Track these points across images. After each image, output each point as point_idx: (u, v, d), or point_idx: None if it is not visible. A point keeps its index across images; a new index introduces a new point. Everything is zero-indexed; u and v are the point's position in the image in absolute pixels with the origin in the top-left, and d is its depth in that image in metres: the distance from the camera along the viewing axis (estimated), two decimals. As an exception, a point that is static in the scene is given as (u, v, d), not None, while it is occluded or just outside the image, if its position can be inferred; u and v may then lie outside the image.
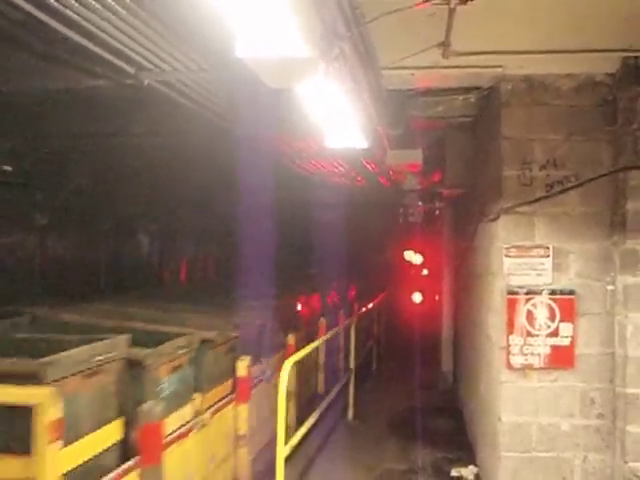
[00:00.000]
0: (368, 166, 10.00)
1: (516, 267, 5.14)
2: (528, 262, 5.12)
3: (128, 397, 4.15)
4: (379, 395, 10.32)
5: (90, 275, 11.82)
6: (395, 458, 7.18)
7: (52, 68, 5.25)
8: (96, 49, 4.27)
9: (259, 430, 6.40)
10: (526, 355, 5.10)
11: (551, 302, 5.09)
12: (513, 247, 5.14)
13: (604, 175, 5.03)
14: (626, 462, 4.82)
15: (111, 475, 3.73)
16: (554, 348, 5.08)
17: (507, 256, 5.15)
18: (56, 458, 3.28)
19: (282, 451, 5.15)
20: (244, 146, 7.81)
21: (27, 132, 7.86)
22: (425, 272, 20.01)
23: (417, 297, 18.60)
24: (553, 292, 5.09)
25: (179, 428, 4.75)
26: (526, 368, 5.12)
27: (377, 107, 5.17)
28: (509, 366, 5.13)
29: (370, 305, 12.27)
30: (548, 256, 5.09)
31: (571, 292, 5.08)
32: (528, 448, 5.13)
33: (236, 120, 6.47)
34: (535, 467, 5.12)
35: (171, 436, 4.53)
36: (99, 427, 3.86)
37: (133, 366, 4.22)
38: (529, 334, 5.10)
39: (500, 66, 5.00)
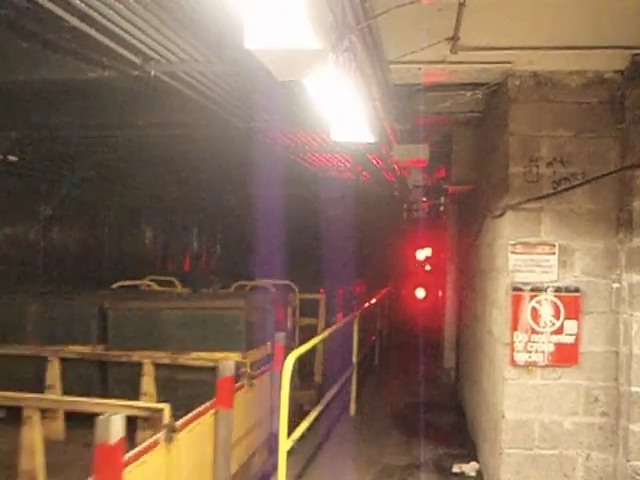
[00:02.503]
0: (374, 161, 9.98)
1: (521, 264, 5.12)
2: (534, 259, 5.10)
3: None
4: (381, 390, 10.33)
5: (93, 266, 11.82)
6: (396, 453, 7.17)
7: (58, 58, 5.24)
8: (102, 39, 4.26)
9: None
10: (530, 352, 5.09)
11: (556, 299, 5.07)
12: (519, 243, 5.12)
13: (611, 173, 5.01)
14: (629, 461, 4.82)
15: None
16: (558, 345, 5.07)
17: (512, 252, 5.13)
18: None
19: (284, 444, 5.15)
20: (251, 139, 7.80)
21: (32, 123, 7.85)
22: (428, 268, 19.98)
23: (420, 293, 18.57)
24: (558, 289, 5.07)
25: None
26: (530, 365, 5.11)
27: (384, 101, 5.17)
28: (513, 363, 5.12)
29: (373, 300, 12.26)
30: (554, 253, 5.07)
31: (576, 290, 5.06)
32: (531, 445, 5.13)
33: (243, 113, 6.45)
34: (537, 464, 5.11)
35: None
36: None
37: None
38: (533, 331, 5.09)
39: (508, 62, 4.97)
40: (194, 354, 5.99)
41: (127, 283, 8.84)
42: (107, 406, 4.08)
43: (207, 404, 4.76)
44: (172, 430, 3.97)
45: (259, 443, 6.20)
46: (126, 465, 3.37)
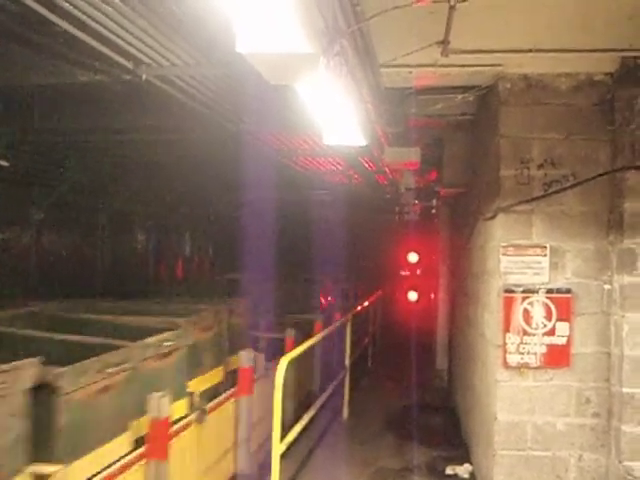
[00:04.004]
0: (365, 164, 10.00)
1: (513, 266, 5.14)
2: (525, 261, 5.12)
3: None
4: (374, 393, 10.34)
5: (86, 271, 11.79)
6: (390, 456, 7.18)
7: (50, 62, 5.23)
8: (94, 43, 4.25)
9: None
10: (522, 354, 5.11)
11: (548, 301, 5.09)
12: (510, 246, 5.14)
13: (602, 174, 5.04)
14: (621, 461, 4.83)
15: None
16: (550, 347, 5.09)
17: (504, 255, 5.15)
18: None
19: (278, 448, 5.15)
20: (243, 143, 7.80)
21: (23, 127, 7.83)
22: (421, 270, 19.99)
23: (412, 295, 18.59)
24: (550, 291, 5.09)
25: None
26: (522, 367, 5.13)
27: (376, 105, 5.17)
28: (505, 365, 5.14)
29: (366, 303, 12.27)
30: (545, 255, 5.09)
31: (568, 291, 5.08)
32: (523, 447, 5.14)
33: (235, 117, 6.45)
34: (530, 466, 5.13)
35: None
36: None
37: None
38: (525, 333, 5.11)
39: (499, 65, 5.00)
40: (289, 315, 8.71)
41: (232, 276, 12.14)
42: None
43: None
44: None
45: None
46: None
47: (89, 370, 3.59)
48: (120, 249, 13.10)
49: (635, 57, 4.76)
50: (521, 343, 5.11)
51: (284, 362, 5.24)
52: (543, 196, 5.11)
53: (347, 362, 9.06)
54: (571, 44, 4.57)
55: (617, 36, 4.44)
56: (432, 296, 14.14)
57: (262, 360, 6.46)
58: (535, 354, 5.10)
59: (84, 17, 3.83)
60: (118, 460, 3.82)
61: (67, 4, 3.67)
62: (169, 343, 4.64)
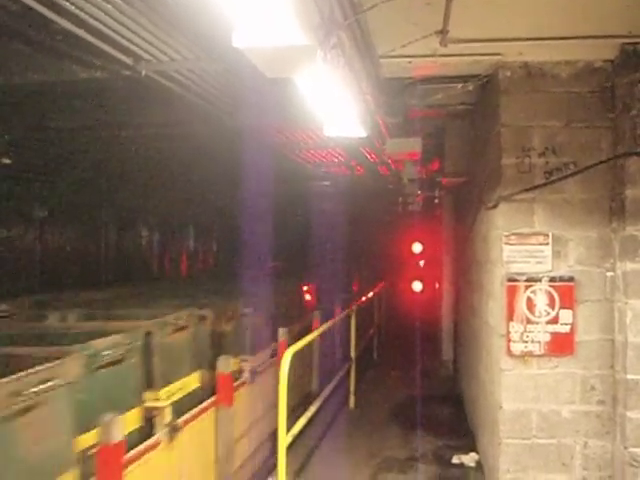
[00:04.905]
0: (367, 155, 9.99)
1: (516, 254, 5.14)
2: (528, 249, 5.13)
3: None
4: (380, 383, 10.37)
5: (90, 267, 11.83)
6: (396, 446, 7.21)
7: (50, 60, 5.23)
8: (94, 40, 4.26)
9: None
10: (526, 342, 5.12)
11: (551, 289, 5.10)
12: (512, 235, 5.14)
13: (603, 162, 5.03)
14: (626, 448, 4.84)
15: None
16: (554, 335, 5.09)
17: (507, 244, 5.15)
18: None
19: (284, 439, 5.17)
20: (244, 137, 7.80)
21: (26, 125, 7.84)
22: (425, 260, 19.96)
23: (417, 286, 18.57)
24: (553, 279, 5.09)
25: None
26: (526, 355, 5.14)
27: (375, 96, 5.17)
28: (509, 353, 5.15)
29: (370, 294, 12.29)
30: (547, 243, 5.10)
31: (571, 279, 5.08)
32: (529, 435, 5.16)
33: (236, 110, 6.46)
34: (536, 454, 5.14)
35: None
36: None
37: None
38: (529, 321, 5.12)
39: (498, 53, 4.99)
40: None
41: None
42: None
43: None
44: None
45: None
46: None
47: (259, 309, 6.98)
48: (124, 244, 13.14)
49: (635, 43, 4.75)
50: (525, 331, 5.12)
51: (288, 355, 5.28)
52: (545, 184, 5.11)
53: (352, 354, 9.10)
54: (570, 31, 4.56)
55: (616, 23, 4.43)
56: (437, 286, 14.13)
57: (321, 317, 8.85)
58: (539, 342, 5.11)
59: (83, 14, 3.83)
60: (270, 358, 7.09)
61: (67, 2, 3.68)
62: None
